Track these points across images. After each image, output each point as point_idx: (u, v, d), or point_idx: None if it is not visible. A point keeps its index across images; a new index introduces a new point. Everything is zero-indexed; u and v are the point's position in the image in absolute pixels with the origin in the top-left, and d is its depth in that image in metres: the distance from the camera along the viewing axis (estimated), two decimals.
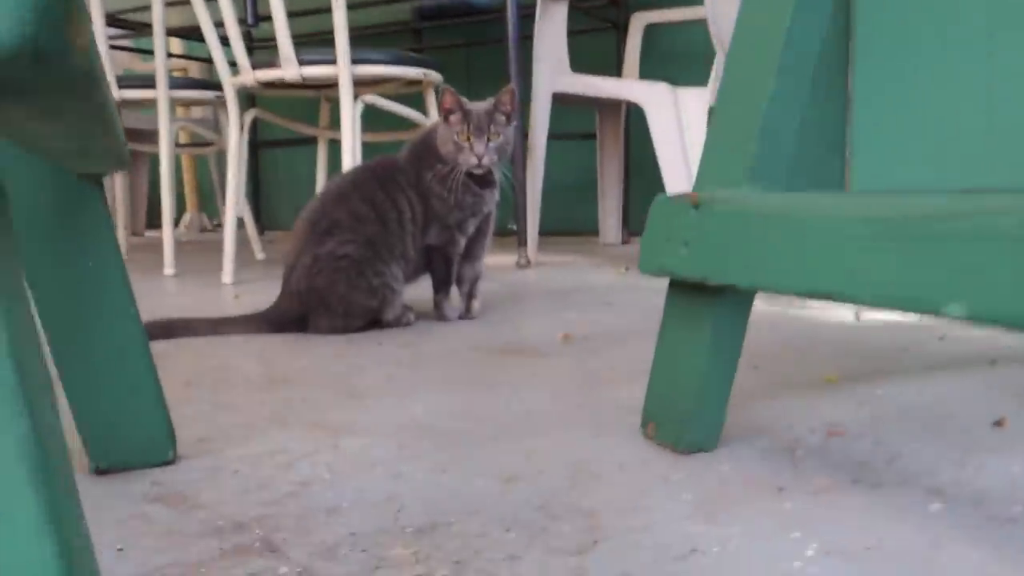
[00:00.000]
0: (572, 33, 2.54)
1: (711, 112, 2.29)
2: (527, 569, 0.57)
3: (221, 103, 2.62)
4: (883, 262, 0.48)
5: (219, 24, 2.16)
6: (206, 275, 2.40)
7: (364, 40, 2.12)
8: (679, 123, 2.27)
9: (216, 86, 2.58)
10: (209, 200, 4.33)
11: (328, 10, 2.00)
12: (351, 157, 2.01)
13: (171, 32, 3.32)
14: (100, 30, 2.56)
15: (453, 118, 1.50)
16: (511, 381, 1.12)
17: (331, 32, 2.00)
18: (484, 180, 1.55)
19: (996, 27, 0.76)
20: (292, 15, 2.07)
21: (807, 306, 1.66)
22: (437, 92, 2.03)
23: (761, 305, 1.63)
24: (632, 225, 3.15)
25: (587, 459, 0.80)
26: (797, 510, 0.66)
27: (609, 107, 2.96)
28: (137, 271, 2.66)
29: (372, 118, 2.14)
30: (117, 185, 3.04)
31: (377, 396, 1.06)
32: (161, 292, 2.17)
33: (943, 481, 0.71)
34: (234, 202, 2.27)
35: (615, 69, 3.03)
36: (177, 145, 3.22)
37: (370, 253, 1.48)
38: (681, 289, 0.78)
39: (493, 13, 3.14)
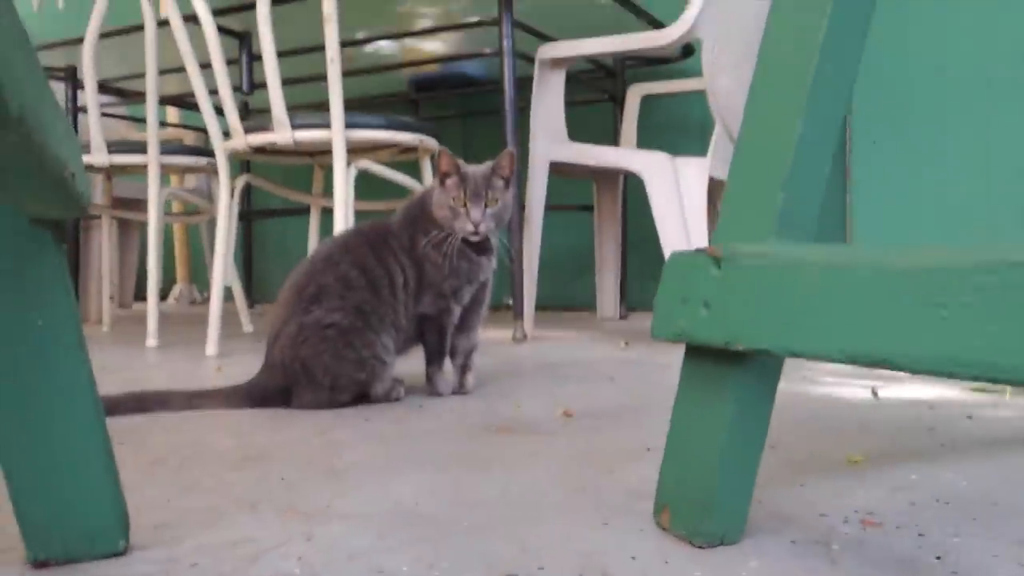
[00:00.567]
0: (569, 104, 2.52)
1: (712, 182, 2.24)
2: None
3: (214, 170, 2.57)
4: (961, 320, 0.40)
5: (214, 92, 2.12)
6: (190, 347, 2.30)
7: (360, 110, 2.08)
8: (678, 193, 2.22)
9: (210, 153, 2.53)
10: (201, 272, 4.25)
11: (324, 78, 1.97)
12: (343, 224, 1.94)
13: (167, 100, 3.31)
14: (92, 97, 2.53)
15: (449, 182, 1.44)
16: (507, 461, 1.02)
17: (326, 101, 1.95)
18: (481, 246, 1.48)
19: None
20: (288, 83, 2.03)
21: (819, 382, 1.58)
22: (433, 159, 1.97)
23: None
24: (630, 300, 3.06)
25: (593, 552, 0.70)
26: None
27: (607, 179, 2.92)
28: (119, 342, 2.57)
29: (366, 185, 2.09)
30: (105, 255, 2.97)
31: (360, 477, 0.96)
32: (140, 363, 2.08)
33: None
34: (222, 268, 2.20)
35: (612, 140, 3.00)
36: (167, 213, 3.16)
37: (359, 322, 1.40)
38: (700, 356, 0.70)
39: (489, 84, 3.14)
